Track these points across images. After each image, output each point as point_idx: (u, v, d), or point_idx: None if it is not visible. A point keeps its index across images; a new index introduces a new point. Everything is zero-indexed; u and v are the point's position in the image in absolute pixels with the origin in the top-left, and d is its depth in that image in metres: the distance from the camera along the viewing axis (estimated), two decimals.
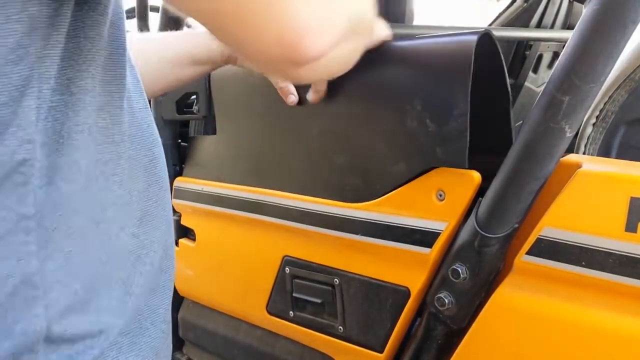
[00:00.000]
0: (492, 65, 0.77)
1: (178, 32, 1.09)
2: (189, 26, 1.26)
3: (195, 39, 0.95)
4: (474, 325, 0.76)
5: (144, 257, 0.53)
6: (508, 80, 0.78)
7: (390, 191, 0.83)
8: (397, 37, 0.82)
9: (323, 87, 0.87)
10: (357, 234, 0.88)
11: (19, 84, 0.41)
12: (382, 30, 0.80)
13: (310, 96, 0.89)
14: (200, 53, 0.93)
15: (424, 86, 0.78)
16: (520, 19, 1.61)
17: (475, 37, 0.72)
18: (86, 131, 0.45)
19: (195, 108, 1.18)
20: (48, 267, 0.44)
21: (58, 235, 0.44)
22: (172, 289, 0.60)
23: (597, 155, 0.96)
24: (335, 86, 0.88)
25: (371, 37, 0.72)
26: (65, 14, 0.42)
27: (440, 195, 0.77)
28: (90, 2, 0.45)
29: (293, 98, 0.93)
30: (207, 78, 1.11)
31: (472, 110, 0.73)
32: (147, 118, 0.55)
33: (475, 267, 0.74)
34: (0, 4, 0.38)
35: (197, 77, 0.97)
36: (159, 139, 0.57)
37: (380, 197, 0.84)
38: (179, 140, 1.28)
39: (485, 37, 0.74)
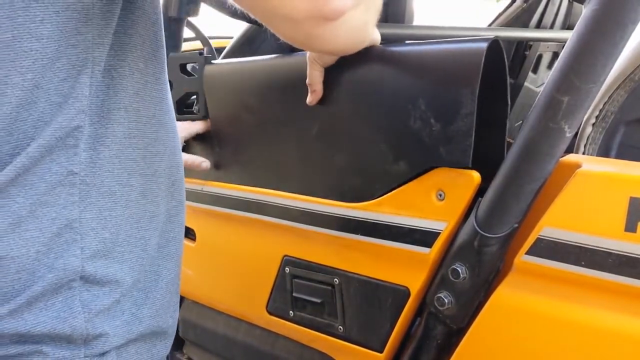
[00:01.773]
0: (494, 70, 0.77)
1: None
2: (190, 26, 1.26)
3: None
4: (473, 325, 0.76)
5: (161, 225, 0.61)
6: (509, 90, 0.79)
7: (391, 191, 0.83)
8: (397, 37, 0.83)
9: (319, 87, 0.88)
10: (356, 233, 0.88)
11: (77, 64, 0.50)
12: (374, 34, 0.81)
13: (308, 97, 0.89)
14: None
15: (430, 87, 0.78)
16: (519, 19, 1.61)
17: (485, 45, 0.73)
18: (123, 109, 0.55)
19: (195, 108, 1.18)
20: (85, 216, 0.53)
21: (94, 191, 0.53)
22: (178, 260, 0.67)
23: (597, 155, 0.96)
24: (337, 85, 0.88)
25: (377, 18, 0.74)
26: (115, 11, 0.52)
27: (440, 195, 0.78)
28: (131, 6, 0.54)
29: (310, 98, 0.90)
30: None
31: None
32: (173, 111, 0.64)
33: (475, 267, 0.74)
34: None
35: None
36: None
37: (380, 196, 0.84)
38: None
39: (494, 44, 0.74)
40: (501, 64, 0.77)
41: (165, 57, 0.62)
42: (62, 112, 0.50)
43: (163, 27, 0.61)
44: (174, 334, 0.67)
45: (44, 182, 0.50)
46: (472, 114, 0.73)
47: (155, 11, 0.58)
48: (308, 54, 0.86)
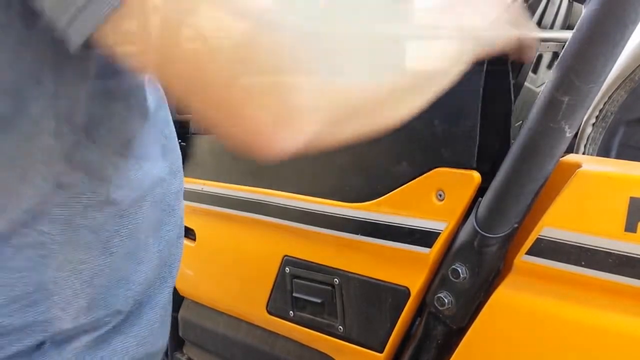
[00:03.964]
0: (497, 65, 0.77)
1: None
2: None
3: None
4: (473, 325, 0.76)
5: (147, 261, 0.58)
6: (512, 84, 0.78)
7: (392, 191, 0.83)
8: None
9: None
10: (357, 233, 0.88)
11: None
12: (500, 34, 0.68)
13: None
14: None
15: None
16: None
17: None
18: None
19: None
20: (61, 275, 0.50)
21: (67, 248, 0.50)
22: (174, 278, 0.65)
23: (597, 155, 0.96)
24: None
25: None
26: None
27: (440, 195, 0.78)
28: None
29: None
30: None
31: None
32: (172, 142, 0.67)
33: (475, 267, 0.74)
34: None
35: None
36: (180, 158, 0.66)
37: (381, 197, 0.84)
38: (179, 140, 1.28)
39: None
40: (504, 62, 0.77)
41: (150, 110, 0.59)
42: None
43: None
44: None
45: None
46: (476, 113, 0.73)
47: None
48: None
